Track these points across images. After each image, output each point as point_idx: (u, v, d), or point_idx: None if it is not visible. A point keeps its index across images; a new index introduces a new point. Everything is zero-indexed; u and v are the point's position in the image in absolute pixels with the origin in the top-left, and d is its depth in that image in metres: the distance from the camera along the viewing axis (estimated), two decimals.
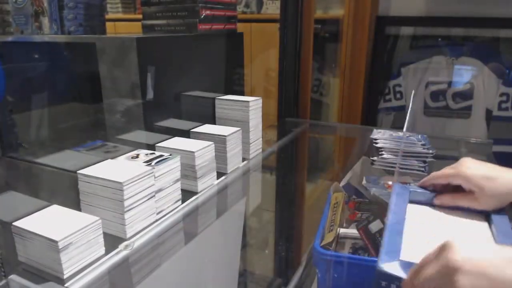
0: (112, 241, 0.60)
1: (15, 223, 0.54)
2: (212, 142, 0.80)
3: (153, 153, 0.72)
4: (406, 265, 0.43)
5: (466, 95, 1.56)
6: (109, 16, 2.37)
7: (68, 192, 0.65)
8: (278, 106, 1.45)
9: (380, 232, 0.68)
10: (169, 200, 0.70)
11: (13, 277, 0.53)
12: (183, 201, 0.74)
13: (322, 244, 0.67)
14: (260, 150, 1.00)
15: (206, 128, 0.89)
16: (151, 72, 0.80)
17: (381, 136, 1.01)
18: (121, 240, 0.61)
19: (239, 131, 0.89)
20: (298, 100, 1.45)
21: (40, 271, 0.54)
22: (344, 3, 1.63)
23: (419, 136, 1.00)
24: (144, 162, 0.68)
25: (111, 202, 0.61)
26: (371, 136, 1.03)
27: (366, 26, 1.56)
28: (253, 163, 0.95)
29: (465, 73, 1.56)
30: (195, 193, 0.77)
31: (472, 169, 0.61)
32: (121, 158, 0.70)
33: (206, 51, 1.00)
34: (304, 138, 1.42)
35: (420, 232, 0.53)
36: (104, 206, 0.61)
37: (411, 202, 0.63)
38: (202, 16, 0.95)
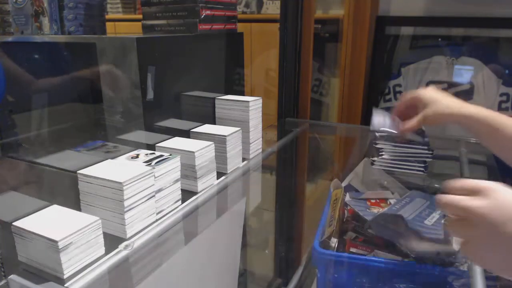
0: (112, 241, 0.60)
1: (15, 223, 0.54)
2: (212, 142, 0.80)
3: (153, 153, 0.72)
4: None
5: (466, 95, 1.56)
6: (109, 16, 2.37)
7: (68, 192, 0.65)
8: (278, 106, 1.45)
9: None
10: (169, 200, 0.70)
11: (13, 277, 0.53)
12: (183, 201, 0.74)
13: (323, 238, 0.67)
14: (260, 150, 1.00)
15: (206, 128, 0.89)
16: (151, 72, 0.80)
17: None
18: (121, 240, 0.61)
19: (239, 131, 0.89)
20: (298, 100, 1.45)
21: (40, 271, 0.54)
22: (344, 3, 1.63)
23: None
24: (144, 162, 0.68)
25: (111, 202, 0.61)
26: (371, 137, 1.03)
27: (366, 26, 1.56)
28: (253, 163, 0.95)
29: (465, 73, 1.56)
30: (195, 193, 0.77)
31: (426, 92, 0.78)
32: (121, 158, 0.70)
33: (206, 51, 1.00)
34: (304, 138, 1.42)
35: None
36: (104, 206, 0.61)
37: None
38: (202, 16, 0.95)
